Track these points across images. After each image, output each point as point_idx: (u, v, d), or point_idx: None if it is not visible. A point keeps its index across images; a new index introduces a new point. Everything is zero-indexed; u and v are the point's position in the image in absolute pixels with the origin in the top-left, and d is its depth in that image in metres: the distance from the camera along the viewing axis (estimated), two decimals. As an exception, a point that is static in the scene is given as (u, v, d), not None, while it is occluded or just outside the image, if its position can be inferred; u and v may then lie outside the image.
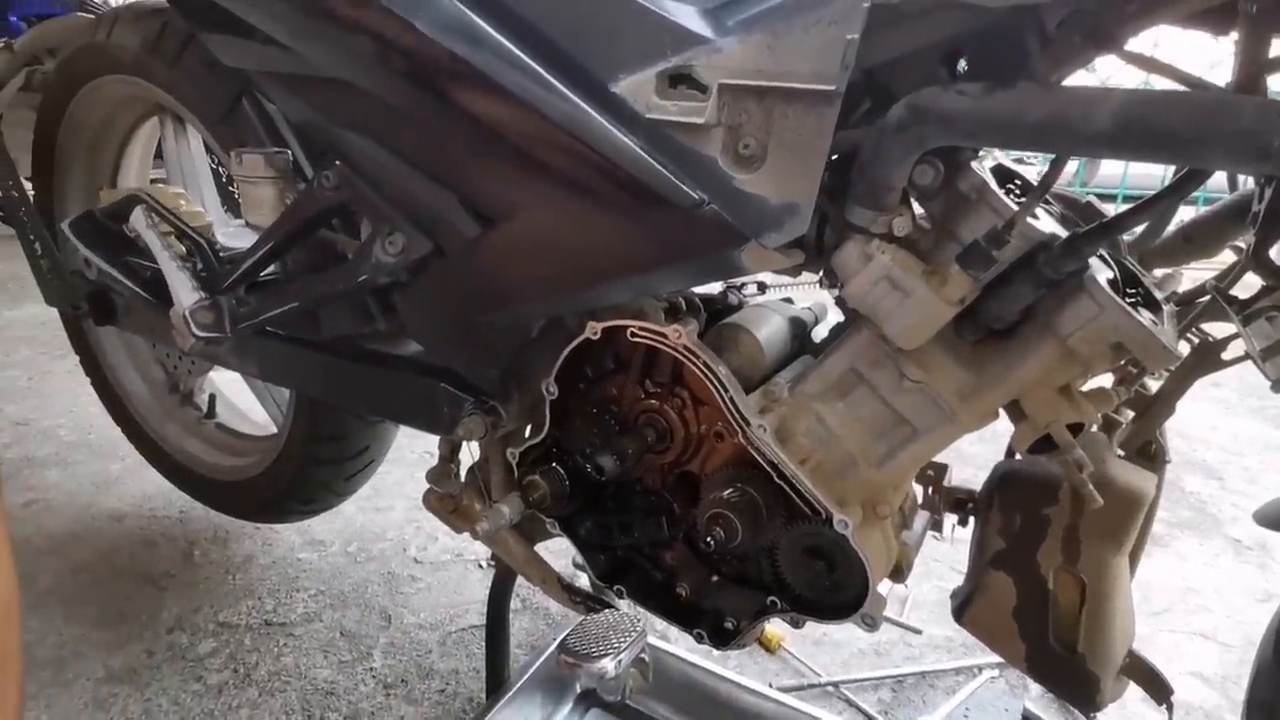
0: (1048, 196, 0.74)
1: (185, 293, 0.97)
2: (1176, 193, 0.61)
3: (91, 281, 1.30)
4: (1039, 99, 0.54)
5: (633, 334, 0.79)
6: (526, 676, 1.15)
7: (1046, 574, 0.81)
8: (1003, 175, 0.71)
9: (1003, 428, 0.76)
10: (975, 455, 1.83)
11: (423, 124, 0.81)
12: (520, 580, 1.15)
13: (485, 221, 0.83)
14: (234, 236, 1.26)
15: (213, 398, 1.72)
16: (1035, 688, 1.34)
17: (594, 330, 0.80)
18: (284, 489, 1.46)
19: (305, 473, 1.41)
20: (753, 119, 0.65)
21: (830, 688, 1.34)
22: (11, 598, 0.78)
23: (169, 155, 1.55)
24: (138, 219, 1.02)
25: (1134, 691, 0.85)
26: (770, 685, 1.25)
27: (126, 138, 1.59)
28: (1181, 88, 0.55)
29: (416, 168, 0.84)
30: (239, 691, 1.31)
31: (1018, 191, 0.70)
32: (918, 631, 1.48)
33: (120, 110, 1.52)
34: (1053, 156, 0.62)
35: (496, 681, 1.21)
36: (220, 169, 1.68)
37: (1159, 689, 0.82)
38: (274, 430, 1.59)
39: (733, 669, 1.19)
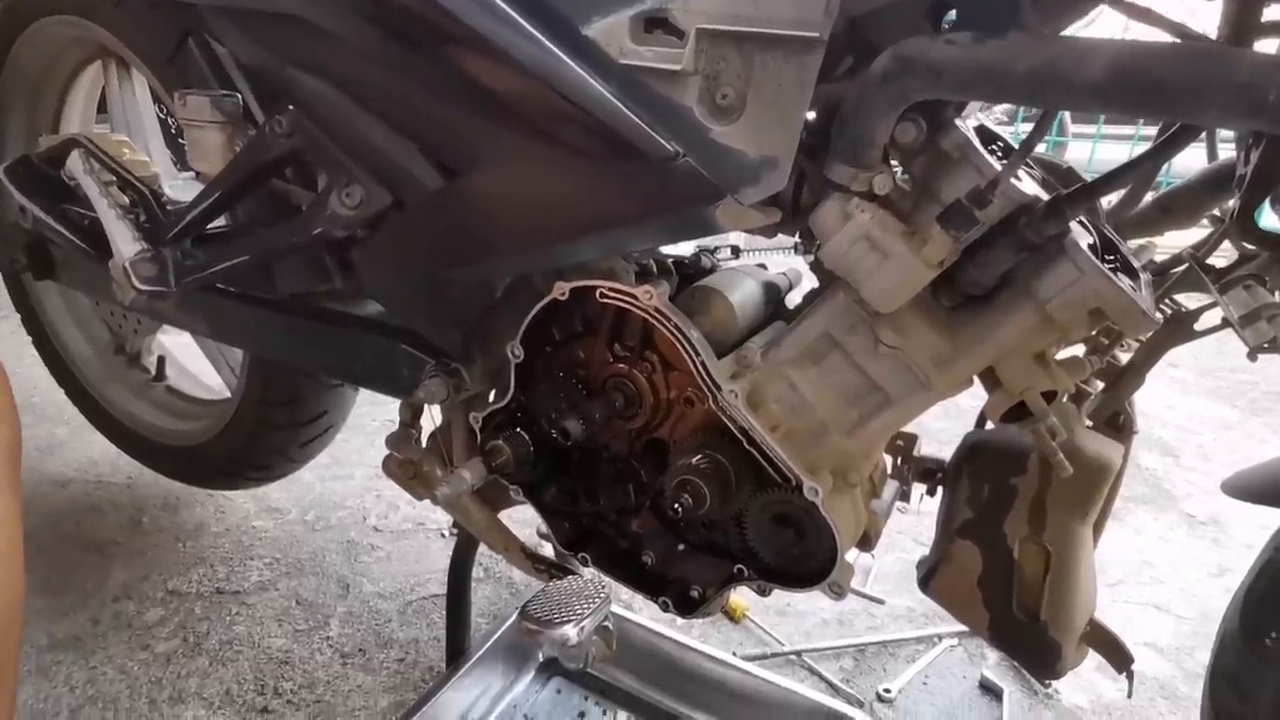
0: (1028, 160, 0.72)
1: (125, 243, 0.91)
2: (1161, 154, 0.59)
3: (28, 232, 1.22)
4: (1031, 49, 0.52)
5: (602, 295, 0.76)
6: (488, 645, 1.13)
7: (1013, 543, 0.81)
8: (985, 136, 0.69)
9: (967, 404, 0.75)
10: (941, 430, 1.84)
11: (382, 67, 0.77)
12: (483, 549, 1.12)
13: (448, 173, 0.79)
14: (182, 190, 1.20)
15: (161, 359, 1.65)
16: (993, 656, 1.36)
17: (561, 291, 0.77)
18: (237, 454, 1.41)
19: (259, 438, 1.36)
20: (731, 67, 0.62)
21: (793, 656, 1.35)
22: (16, 608, 0.72)
23: (113, 102, 1.47)
24: (74, 163, 0.96)
25: (1089, 661, 0.86)
26: (734, 654, 1.25)
27: (69, 83, 1.50)
28: (1175, 40, 0.54)
29: (375, 114, 0.80)
30: (188, 660, 1.27)
31: (1000, 153, 0.68)
32: (880, 602, 1.49)
33: (63, 53, 1.44)
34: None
35: (457, 650, 1.19)
36: (169, 119, 1.60)
37: (1119, 657, 0.83)
38: (227, 394, 1.53)
39: (696, 638, 1.19)
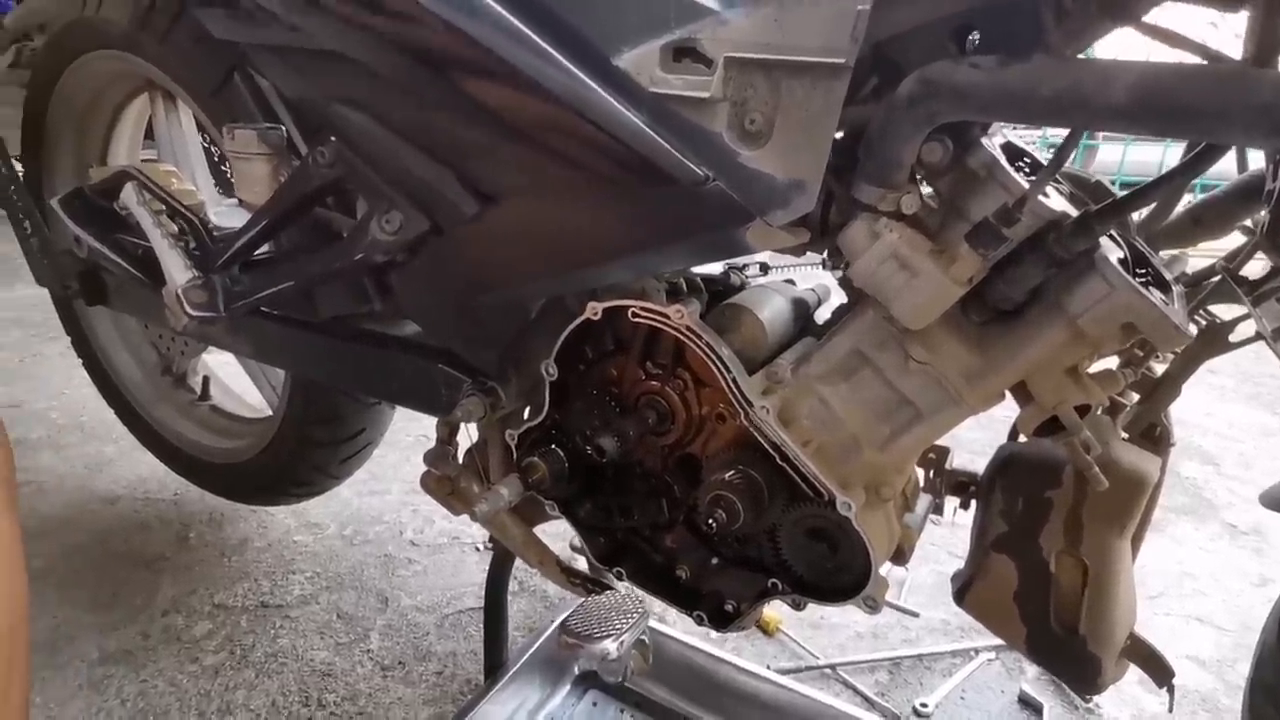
0: (1056, 175, 0.72)
1: (178, 271, 0.95)
2: (1189, 170, 0.60)
3: (82, 260, 1.27)
4: (1055, 72, 0.53)
5: (634, 314, 0.77)
6: (525, 659, 1.15)
7: (1048, 557, 0.81)
8: (1012, 153, 0.69)
9: (999, 413, 0.76)
10: (972, 441, 1.83)
11: (420, 98, 0.80)
12: (518, 563, 1.14)
13: (484, 199, 0.81)
14: (227, 216, 1.24)
15: (206, 380, 1.70)
16: (1031, 670, 1.35)
17: (594, 311, 0.79)
18: (279, 471, 1.45)
19: (300, 455, 1.40)
20: (759, 93, 0.64)
21: (828, 670, 1.34)
22: (21, 608, 0.76)
23: (160, 133, 1.52)
24: (128, 195, 1.00)
25: (1130, 674, 0.85)
26: (768, 667, 1.25)
27: (116, 115, 1.56)
28: (1198, 61, 0.54)
29: (414, 144, 0.83)
30: (235, 673, 1.31)
31: (1027, 170, 0.69)
32: (915, 615, 1.48)
33: (110, 87, 1.50)
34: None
35: (494, 664, 1.21)
36: (212, 148, 1.66)
37: (1160, 671, 0.82)
38: (269, 413, 1.57)
39: (730, 651, 1.19)
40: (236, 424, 1.67)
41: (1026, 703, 1.29)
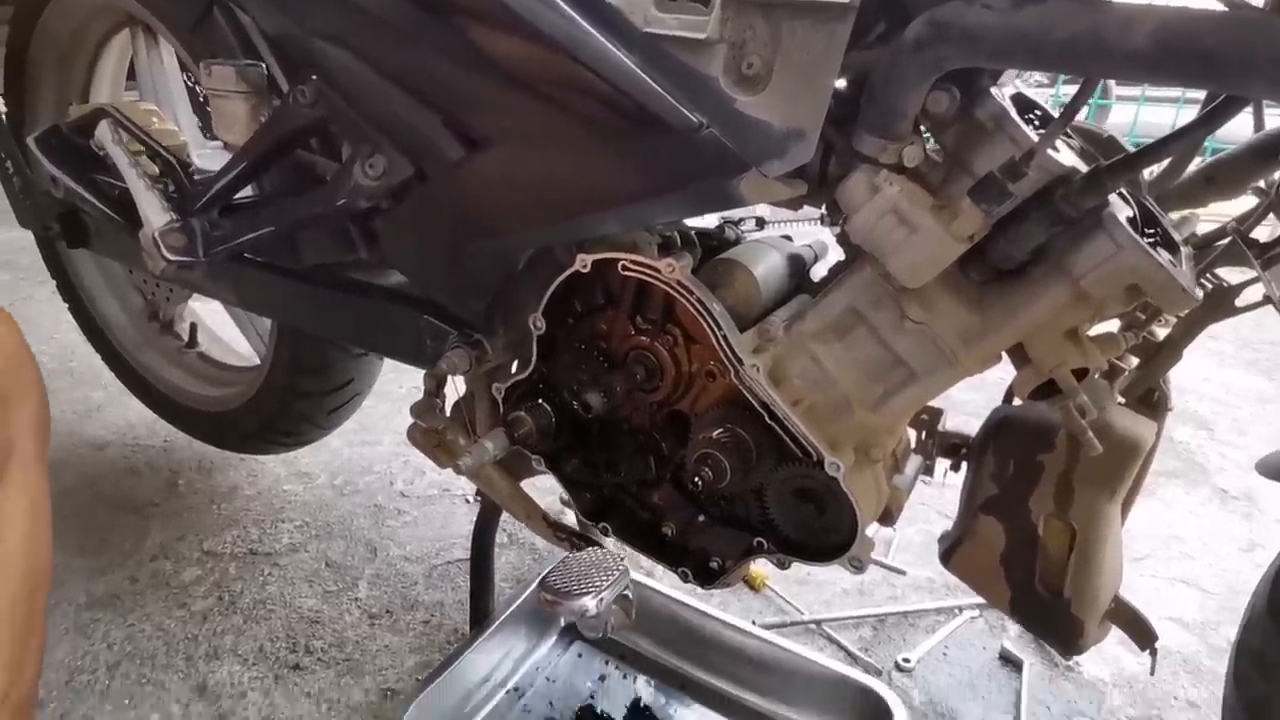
0: (1067, 130, 0.70)
1: (155, 213, 0.92)
2: (1207, 124, 0.57)
3: (61, 201, 1.24)
4: (1072, 15, 0.50)
5: (624, 268, 0.75)
6: (511, 609, 1.15)
7: (1037, 520, 0.81)
8: (1022, 104, 0.66)
9: (993, 376, 0.74)
10: (965, 402, 1.82)
11: (405, 37, 0.76)
12: (508, 516, 1.14)
13: (470, 144, 0.78)
14: (211, 159, 1.20)
15: (194, 326, 1.68)
16: (1013, 628, 1.36)
17: (584, 263, 0.77)
18: (267, 420, 1.44)
19: (288, 405, 1.39)
20: (758, 35, 0.61)
21: (813, 625, 1.36)
22: (45, 569, 0.75)
23: (141, 71, 1.47)
24: (103, 133, 0.97)
25: (1111, 634, 0.85)
26: (754, 622, 1.26)
27: (98, 51, 1.51)
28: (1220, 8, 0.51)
29: (398, 84, 0.79)
30: (223, 618, 1.31)
31: (1037, 123, 0.66)
32: (901, 573, 1.49)
33: (91, 21, 1.44)
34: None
35: (481, 614, 1.22)
36: (196, 87, 1.60)
37: (1143, 635, 0.82)
38: (257, 361, 1.55)
39: (716, 606, 1.20)
40: (224, 372, 1.65)
41: (1007, 659, 1.30)
